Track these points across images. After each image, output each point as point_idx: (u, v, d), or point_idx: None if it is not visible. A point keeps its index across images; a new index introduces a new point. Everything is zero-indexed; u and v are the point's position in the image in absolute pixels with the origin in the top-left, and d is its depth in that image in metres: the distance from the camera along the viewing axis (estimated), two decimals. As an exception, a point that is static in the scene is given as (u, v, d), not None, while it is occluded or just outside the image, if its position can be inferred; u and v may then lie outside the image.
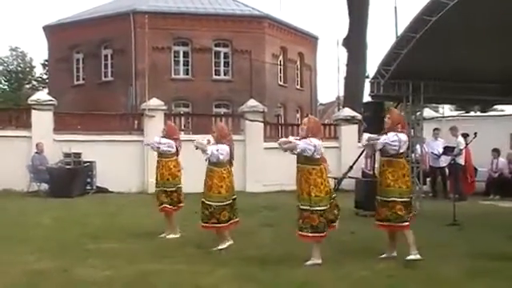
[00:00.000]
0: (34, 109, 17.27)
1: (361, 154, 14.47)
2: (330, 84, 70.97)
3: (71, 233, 9.18)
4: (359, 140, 18.13)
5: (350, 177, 14.46)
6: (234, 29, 29.93)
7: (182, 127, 19.49)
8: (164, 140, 9.20)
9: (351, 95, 23.99)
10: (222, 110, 28.95)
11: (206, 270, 6.54)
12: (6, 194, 15.64)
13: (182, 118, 20.29)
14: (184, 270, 6.50)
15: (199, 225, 7.91)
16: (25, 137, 16.99)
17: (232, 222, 7.90)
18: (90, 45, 30.41)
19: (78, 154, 16.40)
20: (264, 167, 18.04)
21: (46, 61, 42.10)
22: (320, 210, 6.73)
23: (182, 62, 30.18)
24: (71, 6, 56.66)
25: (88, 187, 16.55)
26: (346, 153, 17.91)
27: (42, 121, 17.07)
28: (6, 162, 16.10)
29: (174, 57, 29.98)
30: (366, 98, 20.42)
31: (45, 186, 16.12)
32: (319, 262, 6.80)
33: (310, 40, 35.92)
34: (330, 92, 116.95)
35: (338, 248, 7.74)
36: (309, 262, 6.80)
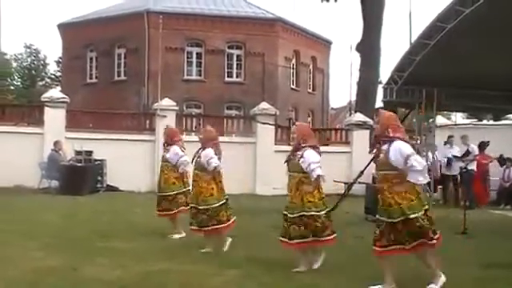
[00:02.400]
0: (47, 106, 17.35)
1: (372, 159, 14.38)
2: (341, 88, 71.06)
3: (80, 230, 9.20)
4: (370, 146, 18.13)
5: (360, 182, 14.40)
6: (247, 31, 29.96)
7: (193, 128, 19.53)
8: (177, 150, 8.94)
9: (363, 100, 23.93)
10: (234, 112, 28.97)
11: (214, 271, 6.54)
12: (18, 190, 15.71)
13: (194, 119, 20.31)
14: (192, 271, 6.50)
15: (199, 230, 7.92)
16: (37, 134, 17.08)
17: (232, 221, 7.91)
18: (104, 44, 30.54)
19: (90, 152, 16.46)
20: (274, 170, 17.96)
21: (60, 58, 42.37)
22: (315, 215, 6.57)
23: (194, 63, 30.26)
24: (86, 5, 57.07)
25: (98, 185, 16.60)
26: (357, 158, 17.84)
27: (55, 118, 17.15)
28: (18, 159, 16.18)
29: (187, 58, 30.07)
30: (379, 104, 20.39)
31: (56, 183, 16.19)
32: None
33: (323, 44, 35.90)
34: (342, 96, 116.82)
35: (346, 253, 7.72)
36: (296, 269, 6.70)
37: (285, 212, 6.78)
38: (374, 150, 6.28)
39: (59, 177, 15.88)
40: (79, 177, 15.72)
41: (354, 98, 29.29)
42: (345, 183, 16.28)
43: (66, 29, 33.30)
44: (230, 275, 6.37)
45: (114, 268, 6.53)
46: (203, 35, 29.71)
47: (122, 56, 30.79)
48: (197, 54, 30.27)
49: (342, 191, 15.37)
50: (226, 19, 30.05)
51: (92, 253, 7.40)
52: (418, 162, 5.70)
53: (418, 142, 13.07)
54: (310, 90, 35.09)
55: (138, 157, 17.33)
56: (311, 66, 35.07)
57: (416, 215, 5.68)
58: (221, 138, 18.49)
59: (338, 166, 18.41)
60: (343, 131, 20.66)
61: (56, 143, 16.32)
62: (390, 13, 50.89)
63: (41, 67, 56.98)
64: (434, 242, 5.78)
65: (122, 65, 30.80)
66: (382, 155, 5.88)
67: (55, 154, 16.25)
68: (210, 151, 7.93)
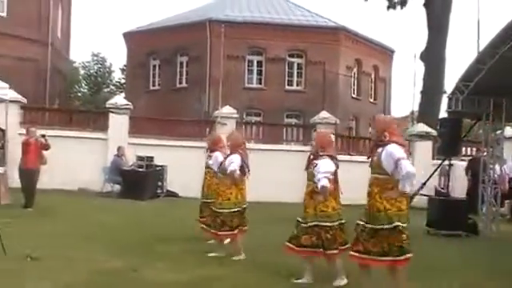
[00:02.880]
0: (112, 112, 17.76)
1: (435, 171, 14.06)
2: (404, 98, 69.70)
3: (141, 234, 9.34)
4: (433, 157, 17.71)
5: (422, 194, 14.07)
6: (308, 40, 29.81)
7: (254, 136, 19.59)
8: (219, 157, 8.48)
9: (426, 110, 23.45)
10: (294, 121, 28.88)
11: (269, 277, 6.51)
12: (81, 194, 16.16)
13: (253, 127, 20.35)
14: (246, 277, 6.48)
15: (213, 232, 7.90)
16: (101, 139, 17.49)
17: (240, 229, 7.79)
18: (167, 52, 31.06)
19: (151, 158, 16.72)
20: (333, 180, 17.79)
21: (125, 66, 43.38)
22: (327, 226, 6.36)
23: (255, 72, 30.35)
24: (150, 14, 58.38)
25: (159, 191, 16.83)
26: (419, 169, 17.26)
27: (119, 124, 17.54)
28: (83, 163, 16.63)
29: (248, 66, 30.19)
30: (443, 114, 19.88)
31: (118, 188, 16.53)
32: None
33: (386, 53, 35.38)
34: (404, 106, 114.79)
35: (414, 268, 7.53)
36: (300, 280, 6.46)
37: (299, 219, 6.63)
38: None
39: (121, 181, 16.21)
40: (140, 182, 15.98)
41: (416, 107, 28.75)
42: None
43: (131, 37, 34.08)
44: (286, 285, 6.34)
45: (172, 271, 6.60)
46: (264, 43, 29.79)
47: (184, 64, 31.20)
48: (257, 62, 30.37)
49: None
50: (287, 27, 30.01)
51: (151, 256, 7.52)
52: (407, 167, 5.42)
53: (485, 153, 12.63)
54: (372, 100, 34.62)
55: (198, 163, 17.41)
56: (373, 75, 34.62)
57: (402, 225, 5.46)
58: (279, 147, 18.73)
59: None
60: (405, 141, 20.24)
61: (119, 149, 16.68)
62: (456, 20, 49.73)
63: (106, 74, 58.50)
64: (406, 257, 5.54)
65: (184, 72, 31.21)
66: (375, 158, 5.70)
67: (118, 159, 16.60)
68: (235, 157, 7.84)
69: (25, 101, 17.47)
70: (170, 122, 19.99)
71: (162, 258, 7.46)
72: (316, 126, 18.73)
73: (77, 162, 16.55)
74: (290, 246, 6.56)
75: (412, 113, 34.47)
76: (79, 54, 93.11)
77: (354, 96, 32.67)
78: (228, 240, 8.01)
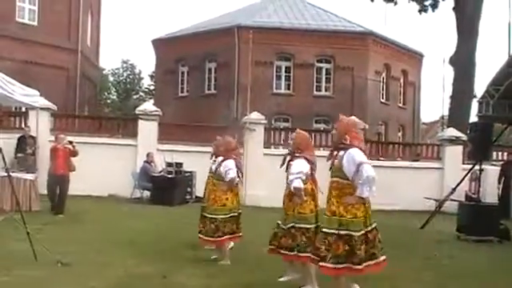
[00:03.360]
0: (141, 118, 17.88)
1: (465, 176, 13.86)
2: (433, 102, 68.96)
3: (170, 240, 9.38)
4: (463, 162, 17.45)
5: (452, 199, 13.88)
6: (337, 45, 29.72)
7: (282, 141, 19.54)
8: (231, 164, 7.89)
9: (456, 115, 23.17)
10: (322, 126, 28.77)
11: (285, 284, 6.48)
12: (111, 199, 16.30)
13: (282, 133, 20.29)
14: (279, 284, 6.45)
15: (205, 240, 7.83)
16: (131, 145, 17.63)
17: (235, 235, 7.74)
18: (195, 58, 31.25)
19: (180, 164, 16.78)
20: (363, 185, 17.66)
21: (153, 73, 43.79)
22: (304, 228, 6.20)
23: (283, 77, 30.35)
24: (179, 21, 58.93)
25: (188, 196, 16.87)
26: (449, 174, 17.24)
27: (148, 130, 17.64)
28: (113, 169, 16.77)
29: (276, 71, 30.20)
30: (473, 119, 19.62)
31: (147, 194, 16.64)
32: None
33: (415, 57, 35.08)
34: (434, 111, 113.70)
35: (437, 272, 7.43)
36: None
37: (279, 222, 6.57)
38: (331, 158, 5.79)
39: (151, 187, 16.31)
40: (169, 188, 16.04)
41: (446, 112, 28.46)
42: (435, 200, 15.79)
43: (160, 44, 34.39)
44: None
45: (201, 277, 6.61)
46: (292, 49, 29.79)
47: (213, 70, 31.37)
48: (286, 67, 30.37)
49: (433, 208, 14.92)
50: (315, 33, 29.95)
51: (181, 262, 7.56)
52: (369, 171, 5.32)
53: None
54: (401, 104, 34.33)
55: (227, 169, 17.48)
56: (402, 80, 34.33)
57: (351, 233, 5.31)
58: (308, 152, 18.55)
59: (429, 183, 17.88)
60: (435, 147, 20.04)
61: (148, 155, 16.79)
62: (487, 24, 49.07)
63: (136, 81, 59.14)
64: (360, 268, 5.36)
65: (213, 79, 31.37)
66: (336, 161, 5.59)
67: (147, 165, 16.70)
68: (230, 162, 7.77)
69: (55, 108, 17.70)
70: (199, 128, 20.07)
71: (191, 263, 7.48)
72: (344, 131, 18.59)
73: (107, 168, 16.70)
74: (271, 247, 6.55)
75: (442, 117, 34.17)
76: (109, 61, 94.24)
77: (382, 101, 32.42)
78: (232, 244, 7.98)
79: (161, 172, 16.55)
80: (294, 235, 6.25)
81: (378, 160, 19.01)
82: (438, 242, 10.96)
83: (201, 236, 7.87)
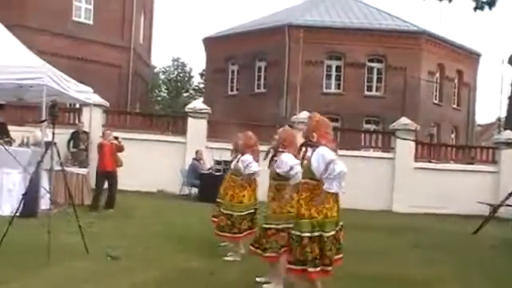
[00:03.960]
0: (190, 116, 18.03)
1: None
2: (490, 104, 67.24)
3: (217, 237, 9.41)
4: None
5: (508, 205, 13.48)
6: (389, 44, 29.24)
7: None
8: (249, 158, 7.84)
9: (514, 117, 22.50)
10: (372, 127, 28.41)
11: (349, 287, 6.39)
12: (161, 195, 16.52)
13: (331, 133, 20.10)
14: (326, 284, 6.37)
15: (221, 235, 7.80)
16: (180, 142, 17.80)
17: (252, 231, 7.59)
18: (245, 57, 31.31)
19: (228, 162, 16.79)
20: (413, 187, 17.40)
21: (204, 71, 44.14)
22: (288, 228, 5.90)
23: (334, 77, 30.07)
24: (229, 20, 59.39)
25: (236, 194, 16.88)
26: (506, 178, 16.80)
27: (197, 128, 17.79)
28: (162, 165, 16.99)
29: (326, 71, 29.95)
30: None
31: (195, 191, 16.77)
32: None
33: (471, 57, 34.18)
34: (490, 112, 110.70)
35: (489, 278, 7.23)
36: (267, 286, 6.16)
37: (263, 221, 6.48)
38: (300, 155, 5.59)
39: (199, 184, 16.43)
40: (217, 185, 16.04)
41: (503, 114, 27.65)
42: (490, 205, 15.37)
43: (210, 43, 34.61)
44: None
45: (248, 274, 6.58)
46: (343, 48, 29.47)
47: (263, 69, 31.35)
48: (336, 67, 30.07)
49: (487, 213, 14.52)
50: (367, 32, 29.53)
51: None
52: (341, 167, 5.10)
53: None
54: (455, 106, 33.55)
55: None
56: (456, 80, 33.54)
57: (324, 234, 5.11)
58: (357, 153, 18.49)
59: (483, 187, 17.44)
60: (490, 150, 19.51)
61: (197, 152, 16.93)
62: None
63: (186, 79, 59.75)
64: (330, 269, 5.18)
65: (262, 77, 31.36)
66: (305, 161, 5.37)
67: (196, 162, 16.84)
68: (248, 157, 7.71)
69: (107, 104, 18.03)
70: (248, 126, 20.05)
71: (240, 261, 7.48)
72: (395, 132, 18.35)
73: (156, 164, 16.93)
74: (252, 248, 6.42)
75: (499, 119, 33.24)
76: (160, 59, 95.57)
77: (435, 102, 31.75)
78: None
79: (209, 169, 16.65)
80: (280, 236, 6.08)
81: (430, 162, 18.67)
82: (491, 247, 10.67)
83: (217, 232, 7.88)
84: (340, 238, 5.30)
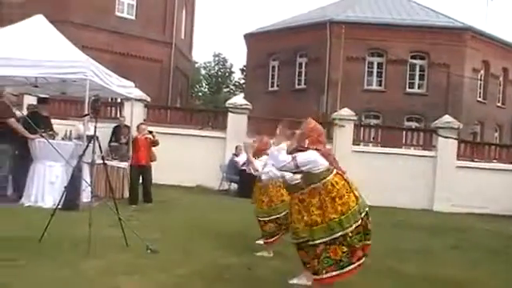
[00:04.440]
0: (231, 112, 18.09)
1: None
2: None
3: (256, 233, 9.40)
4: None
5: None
6: (432, 41, 28.73)
7: (371, 139, 19.22)
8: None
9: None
10: (414, 124, 28.01)
11: (387, 286, 6.33)
12: (200, 190, 16.62)
13: (372, 130, 19.95)
14: (364, 283, 6.32)
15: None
16: (220, 138, 17.88)
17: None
18: (286, 53, 31.23)
19: (264, 159, 16.80)
20: (455, 186, 17.11)
21: (244, 67, 44.24)
22: (276, 218, 6.84)
23: (375, 73, 29.73)
24: (271, 15, 59.21)
25: (274, 191, 16.86)
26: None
27: (237, 123, 17.83)
28: (202, 160, 17.10)
29: (368, 67, 29.64)
30: None
31: (234, 186, 16.82)
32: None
33: (518, 54, 33.34)
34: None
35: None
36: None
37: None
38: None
39: (238, 180, 16.47)
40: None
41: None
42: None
43: (252, 38, 34.63)
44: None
45: (284, 273, 6.55)
46: (385, 45, 29.10)
47: (303, 65, 31.22)
48: (378, 63, 29.73)
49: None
50: (409, 28, 29.07)
51: (266, 255, 7.55)
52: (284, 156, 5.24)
53: None
54: (500, 104, 32.81)
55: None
56: (502, 78, 32.79)
57: (347, 231, 5.03)
58: (398, 150, 18.26)
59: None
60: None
61: (237, 148, 16.95)
62: None
63: (226, 75, 60.00)
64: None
65: (303, 74, 31.23)
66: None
67: (235, 158, 16.88)
68: (258, 163, 7.67)
69: (149, 99, 18.21)
70: (287, 122, 20.01)
71: (276, 258, 7.47)
72: (438, 130, 18.06)
73: (196, 159, 17.05)
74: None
75: (545, 119, 32.38)
76: (201, 54, 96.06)
77: (479, 100, 31.11)
78: None
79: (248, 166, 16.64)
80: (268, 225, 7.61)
81: (472, 161, 18.32)
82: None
83: (266, 240, 7.80)
84: (367, 225, 5.21)
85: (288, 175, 6.11)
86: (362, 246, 5.15)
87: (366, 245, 5.21)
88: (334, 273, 5.12)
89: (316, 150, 5.28)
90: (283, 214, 7.44)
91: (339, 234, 5.07)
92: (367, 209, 5.25)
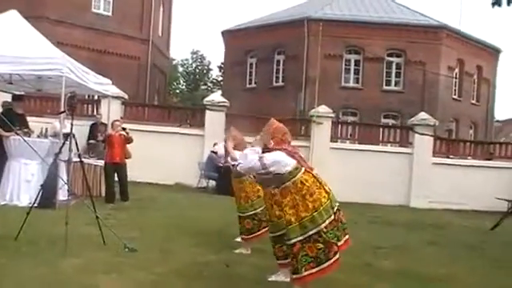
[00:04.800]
0: (208, 109, 18.06)
1: None
2: (509, 100, 66.89)
3: (235, 230, 9.40)
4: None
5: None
6: (408, 39, 29.01)
7: (349, 136, 19.33)
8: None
9: (533, 113, 22.22)
10: (390, 121, 28.25)
11: (365, 282, 6.36)
12: (178, 188, 16.56)
13: (349, 127, 20.06)
14: (341, 280, 6.35)
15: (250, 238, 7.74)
16: (198, 135, 17.84)
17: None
18: (264, 50, 31.23)
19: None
20: (431, 183, 17.29)
21: (222, 64, 44.17)
22: (253, 214, 6.76)
23: (352, 71, 29.91)
24: (249, 13, 59.23)
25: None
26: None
27: (215, 121, 17.80)
28: (180, 158, 17.04)
29: (345, 65, 29.79)
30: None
31: (213, 183, 16.79)
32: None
33: (491, 52, 33.82)
34: (509, 109, 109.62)
35: (508, 275, 7.15)
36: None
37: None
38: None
39: (216, 177, 16.44)
40: (235, 178, 16.09)
41: (522, 110, 27.35)
42: (508, 201, 15.25)
43: (229, 35, 34.58)
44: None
45: (262, 270, 6.56)
46: (362, 42, 29.27)
47: (281, 62, 31.28)
48: (355, 61, 29.90)
49: (505, 209, 14.40)
50: (386, 26, 29.29)
51: (244, 252, 7.56)
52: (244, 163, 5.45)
53: None
54: (474, 101, 33.24)
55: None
56: (476, 76, 33.22)
57: (320, 227, 5.10)
58: (376, 147, 18.42)
59: (502, 183, 17.30)
60: (509, 145, 19.33)
61: (215, 145, 16.90)
62: None
63: (204, 72, 59.84)
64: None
65: (281, 71, 31.29)
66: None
67: (213, 155, 16.83)
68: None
69: (126, 96, 18.09)
70: (266, 120, 19.95)
71: (254, 255, 7.47)
72: (414, 127, 18.23)
73: (174, 157, 16.98)
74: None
75: (518, 115, 32.82)
76: (179, 51, 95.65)
77: (454, 97, 31.49)
78: None
79: (226, 162, 16.63)
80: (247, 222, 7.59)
81: (448, 158, 18.53)
82: (509, 243, 10.57)
83: (244, 237, 7.78)
84: (341, 219, 5.26)
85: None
86: (338, 241, 5.18)
87: (345, 239, 5.27)
88: (314, 270, 5.14)
89: (282, 149, 5.34)
90: (259, 209, 7.45)
91: (313, 231, 5.11)
92: (337, 203, 5.30)
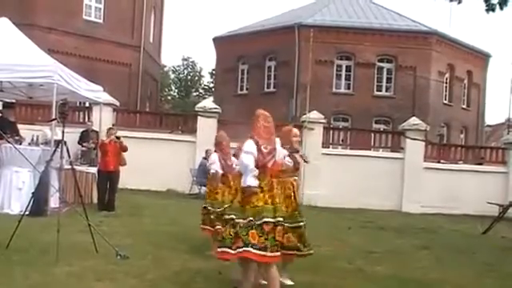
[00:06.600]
0: (200, 115, 18.06)
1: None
2: (499, 105, 67.56)
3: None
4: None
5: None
6: (399, 44, 29.14)
7: (340, 141, 19.38)
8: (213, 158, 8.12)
9: (524, 118, 22.38)
10: (382, 127, 28.33)
11: (358, 286, 6.38)
12: (170, 194, 16.54)
13: (341, 133, 20.11)
14: (335, 284, 6.37)
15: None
16: (190, 141, 17.83)
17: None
18: (256, 56, 31.27)
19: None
20: (423, 188, 17.35)
21: (214, 70, 44.15)
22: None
23: (343, 77, 29.98)
24: (240, 19, 59.43)
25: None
26: (515, 179, 16.71)
27: (207, 127, 17.77)
28: (172, 164, 17.03)
29: (337, 71, 29.87)
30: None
31: (205, 190, 16.73)
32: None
33: (481, 57, 34.00)
34: (500, 113, 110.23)
35: (499, 279, 7.18)
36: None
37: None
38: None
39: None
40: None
41: (513, 115, 27.53)
42: (499, 205, 15.31)
43: (221, 42, 34.61)
44: None
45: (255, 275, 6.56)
46: (353, 48, 29.38)
47: (273, 68, 31.33)
48: (346, 67, 29.98)
49: (496, 214, 14.46)
50: (377, 32, 29.43)
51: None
52: (243, 159, 5.64)
53: None
54: (464, 106, 33.40)
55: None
56: (466, 81, 33.39)
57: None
58: (367, 153, 18.45)
59: (493, 188, 17.40)
60: (499, 150, 19.43)
61: (207, 151, 16.90)
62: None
63: (196, 78, 59.79)
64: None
65: (272, 77, 31.33)
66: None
67: (206, 161, 16.82)
68: (214, 156, 7.97)
69: (117, 103, 18.07)
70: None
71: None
72: (405, 132, 18.30)
73: (166, 163, 16.97)
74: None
75: (508, 120, 33.05)
76: (170, 58, 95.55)
77: (445, 102, 31.63)
78: None
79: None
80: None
81: (439, 163, 18.61)
82: (502, 249, 10.62)
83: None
84: (275, 234, 5.29)
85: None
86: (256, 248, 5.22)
87: (271, 255, 5.26)
88: (219, 249, 5.45)
89: (252, 138, 5.81)
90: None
91: (229, 217, 5.47)
92: (281, 218, 5.42)
